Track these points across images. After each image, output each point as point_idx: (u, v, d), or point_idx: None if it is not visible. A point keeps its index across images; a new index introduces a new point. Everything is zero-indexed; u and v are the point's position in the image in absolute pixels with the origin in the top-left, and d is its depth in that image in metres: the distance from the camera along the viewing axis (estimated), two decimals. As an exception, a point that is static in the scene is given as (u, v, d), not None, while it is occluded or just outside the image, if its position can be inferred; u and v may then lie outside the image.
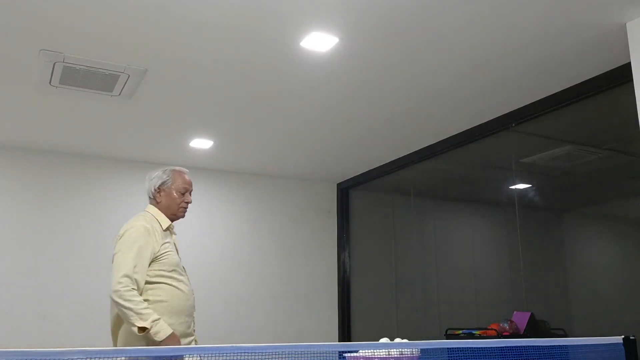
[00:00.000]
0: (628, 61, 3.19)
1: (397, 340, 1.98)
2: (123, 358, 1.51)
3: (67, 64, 3.30)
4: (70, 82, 3.53)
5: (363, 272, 5.89)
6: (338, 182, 6.15)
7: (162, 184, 2.78)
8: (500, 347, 2.06)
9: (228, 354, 1.57)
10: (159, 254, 2.60)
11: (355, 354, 1.93)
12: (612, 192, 3.90)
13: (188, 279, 2.73)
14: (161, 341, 2.40)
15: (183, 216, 2.83)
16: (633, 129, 3.00)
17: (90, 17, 2.81)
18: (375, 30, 2.98)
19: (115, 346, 2.58)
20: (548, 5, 2.75)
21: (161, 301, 2.53)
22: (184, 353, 1.72)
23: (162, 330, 2.41)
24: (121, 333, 2.56)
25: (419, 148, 4.95)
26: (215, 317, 5.23)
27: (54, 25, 2.89)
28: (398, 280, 5.56)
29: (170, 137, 4.64)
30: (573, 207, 4.16)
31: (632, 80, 2.97)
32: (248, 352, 1.61)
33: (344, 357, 1.93)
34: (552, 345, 2.19)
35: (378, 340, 1.97)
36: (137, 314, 2.40)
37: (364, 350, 1.92)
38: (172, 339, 2.43)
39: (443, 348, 2.00)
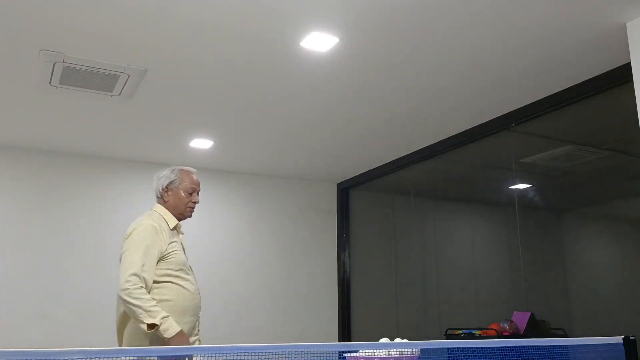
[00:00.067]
0: (628, 61, 3.19)
1: (397, 340, 1.98)
2: (127, 358, 1.51)
3: (67, 64, 3.30)
4: (70, 82, 3.53)
5: (363, 272, 5.89)
6: (338, 182, 6.15)
7: (170, 183, 2.79)
8: (500, 347, 2.06)
9: (228, 354, 1.57)
10: (166, 253, 2.61)
11: (355, 354, 1.93)
12: (612, 192, 3.90)
13: (195, 278, 2.74)
14: (170, 338, 2.40)
15: (190, 216, 2.84)
16: (633, 129, 3.00)
17: (90, 17, 2.81)
18: (375, 30, 2.98)
19: (121, 344, 2.59)
20: (548, 5, 2.75)
21: (167, 300, 2.54)
22: (184, 353, 1.72)
23: (171, 327, 2.42)
24: (127, 331, 2.57)
25: (419, 148, 4.95)
26: (215, 317, 5.23)
27: (54, 25, 2.89)
28: (398, 280, 5.56)
29: (170, 137, 4.64)
30: (573, 207, 4.16)
31: (632, 80, 2.97)
32: (248, 352, 1.61)
33: (344, 357, 1.93)
34: (552, 345, 2.19)
35: (378, 340, 1.97)
36: (146, 311, 2.40)
37: (364, 350, 1.92)
38: (181, 336, 2.44)
39: (443, 348, 2.00)
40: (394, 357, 1.91)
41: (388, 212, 5.92)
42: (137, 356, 1.55)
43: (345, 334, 5.76)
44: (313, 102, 3.92)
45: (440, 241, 5.18)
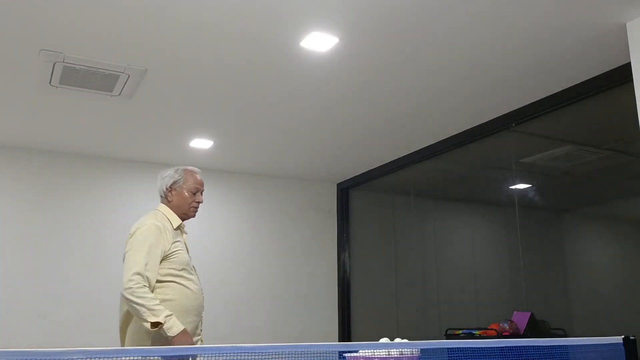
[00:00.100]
0: (628, 61, 3.19)
1: (397, 340, 1.98)
2: (129, 358, 1.51)
3: (67, 64, 3.30)
4: (70, 82, 3.53)
5: (363, 272, 5.89)
6: (338, 182, 6.15)
7: (174, 183, 2.79)
8: (500, 347, 2.06)
9: (228, 354, 1.57)
10: (169, 252, 2.61)
11: (355, 354, 1.93)
12: (612, 192, 3.90)
13: (198, 278, 2.74)
14: (174, 337, 2.40)
15: (194, 216, 2.84)
16: (633, 129, 3.00)
17: (90, 17, 2.81)
18: (375, 30, 2.98)
19: (123, 344, 2.59)
20: (548, 5, 2.75)
21: (169, 300, 2.54)
22: (184, 353, 1.72)
23: (174, 326, 2.42)
24: (129, 331, 2.57)
25: (419, 148, 4.95)
26: (215, 317, 5.23)
27: (54, 25, 2.89)
28: (398, 280, 5.56)
29: (170, 137, 4.64)
30: (573, 207, 4.16)
31: (632, 80, 2.97)
32: (248, 352, 1.61)
33: (344, 357, 1.93)
34: (552, 345, 2.19)
35: (378, 340, 1.97)
36: (150, 310, 2.41)
37: (364, 350, 1.92)
38: (184, 335, 2.44)
39: (443, 348, 2.00)
40: (394, 357, 1.91)
41: (388, 212, 5.92)
42: (140, 356, 1.55)
43: (345, 334, 5.76)
44: (313, 102, 3.92)
45: (440, 241, 5.18)
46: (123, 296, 2.48)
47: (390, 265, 5.67)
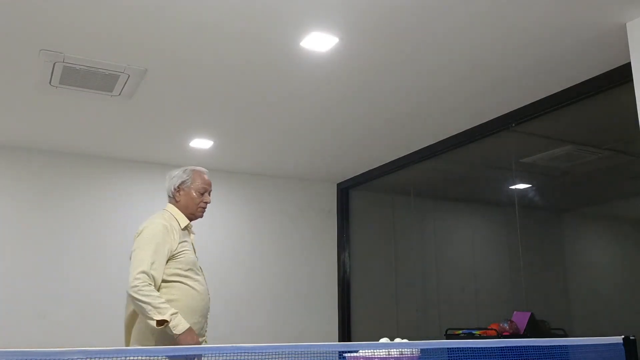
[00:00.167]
0: (628, 61, 3.19)
1: (397, 340, 1.98)
2: (132, 358, 1.51)
3: (67, 64, 3.30)
4: (70, 82, 3.53)
5: (363, 272, 5.89)
6: (338, 182, 6.15)
7: (182, 183, 2.80)
8: (500, 347, 2.06)
9: (228, 354, 1.57)
10: (176, 252, 2.61)
11: (355, 354, 1.93)
12: (612, 192, 3.90)
13: (204, 279, 2.74)
14: (179, 335, 2.40)
15: (201, 216, 2.85)
16: (633, 129, 2.99)
17: (90, 17, 2.81)
18: (375, 30, 2.98)
19: (128, 343, 2.60)
20: (548, 5, 2.75)
21: (175, 300, 2.54)
22: (186, 353, 1.72)
23: (180, 324, 2.42)
24: (134, 330, 2.57)
25: (419, 148, 4.95)
26: (215, 317, 5.19)
27: (54, 25, 2.89)
28: (398, 280, 5.56)
29: (170, 137, 4.64)
30: (573, 207, 4.16)
31: (632, 80, 2.97)
32: (248, 352, 1.61)
33: (344, 357, 1.93)
34: (552, 345, 2.19)
35: (378, 340, 1.97)
36: (155, 308, 2.41)
37: (364, 350, 1.92)
38: (190, 333, 2.44)
39: (443, 348, 2.00)
40: (394, 357, 1.91)
41: (388, 212, 5.92)
42: (141, 356, 1.55)
43: (345, 334, 5.76)
44: (313, 102, 3.91)
45: (440, 241, 5.18)
46: (129, 294, 2.48)
47: (390, 265, 5.67)
